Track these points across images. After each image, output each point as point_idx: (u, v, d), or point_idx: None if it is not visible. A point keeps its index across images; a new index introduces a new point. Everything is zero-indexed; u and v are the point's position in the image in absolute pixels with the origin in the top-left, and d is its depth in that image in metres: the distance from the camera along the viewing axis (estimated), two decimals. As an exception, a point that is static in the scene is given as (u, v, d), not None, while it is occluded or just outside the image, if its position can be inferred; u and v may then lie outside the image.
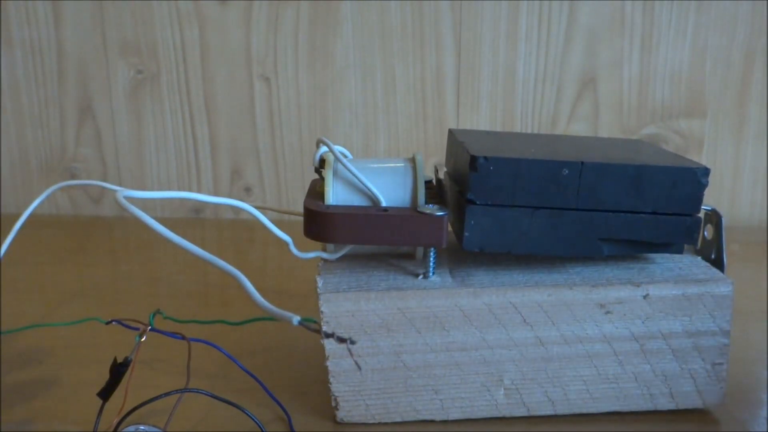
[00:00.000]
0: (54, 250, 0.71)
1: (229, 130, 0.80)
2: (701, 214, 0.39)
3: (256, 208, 0.42)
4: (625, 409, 0.40)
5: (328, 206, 0.39)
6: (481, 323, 0.38)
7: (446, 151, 0.48)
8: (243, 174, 0.81)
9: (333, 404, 0.39)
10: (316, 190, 0.42)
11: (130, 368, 0.36)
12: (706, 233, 0.43)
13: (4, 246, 0.48)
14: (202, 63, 0.78)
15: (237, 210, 0.80)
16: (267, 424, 0.39)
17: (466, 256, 0.43)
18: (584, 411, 0.40)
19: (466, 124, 0.78)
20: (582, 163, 0.38)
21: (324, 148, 0.42)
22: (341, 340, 0.38)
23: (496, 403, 0.40)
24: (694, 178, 0.38)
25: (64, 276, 0.63)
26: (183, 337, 0.39)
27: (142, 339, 0.38)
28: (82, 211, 0.84)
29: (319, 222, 0.38)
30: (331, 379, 0.39)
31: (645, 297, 0.38)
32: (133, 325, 0.39)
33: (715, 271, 0.41)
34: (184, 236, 0.37)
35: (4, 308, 0.55)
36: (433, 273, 0.39)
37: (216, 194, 0.81)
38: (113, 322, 0.40)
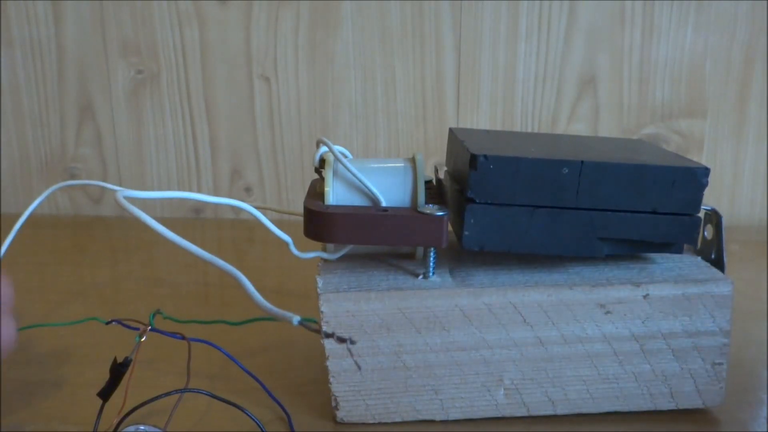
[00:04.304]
0: (54, 250, 0.71)
1: (229, 130, 0.80)
2: (701, 214, 0.39)
3: (256, 208, 0.42)
4: (625, 409, 0.40)
5: (328, 206, 0.39)
6: (481, 323, 0.38)
7: (447, 150, 0.48)
8: (243, 174, 0.81)
9: (333, 404, 0.39)
10: (316, 190, 0.42)
11: (130, 368, 0.36)
12: (706, 233, 0.43)
13: (4, 246, 0.48)
14: (202, 63, 0.78)
15: (237, 210, 0.80)
16: (267, 424, 0.39)
17: (466, 256, 0.43)
18: (584, 411, 0.40)
19: (466, 124, 0.78)
20: (582, 162, 0.38)
21: (324, 148, 0.42)
22: (341, 340, 0.38)
23: (496, 403, 0.40)
24: (694, 178, 0.38)
25: (64, 276, 0.63)
26: (183, 337, 0.39)
27: (142, 339, 0.38)
28: (82, 211, 0.84)
29: (319, 222, 0.38)
30: (331, 379, 0.39)
31: (645, 297, 0.38)
32: (133, 325, 0.39)
33: (715, 271, 0.41)
34: (184, 236, 0.37)
35: (4, 308, 0.55)
36: (433, 273, 0.39)
37: (216, 194, 0.81)
38: (113, 322, 0.40)
